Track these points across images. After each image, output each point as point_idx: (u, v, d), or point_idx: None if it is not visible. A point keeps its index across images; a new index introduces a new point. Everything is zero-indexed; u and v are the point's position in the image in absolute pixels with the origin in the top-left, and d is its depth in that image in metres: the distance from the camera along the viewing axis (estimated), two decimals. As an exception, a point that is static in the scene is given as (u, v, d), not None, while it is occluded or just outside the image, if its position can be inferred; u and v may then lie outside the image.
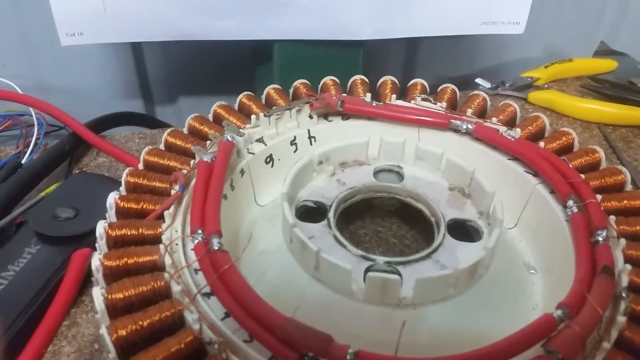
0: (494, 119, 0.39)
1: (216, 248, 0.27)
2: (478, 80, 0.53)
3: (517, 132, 0.37)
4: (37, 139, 0.44)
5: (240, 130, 0.37)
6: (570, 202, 0.31)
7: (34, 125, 0.45)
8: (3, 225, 0.33)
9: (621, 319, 0.25)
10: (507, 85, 0.53)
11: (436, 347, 0.23)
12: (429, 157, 0.37)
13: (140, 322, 0.25)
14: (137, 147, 0.46)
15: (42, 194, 0.36)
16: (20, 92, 0.46)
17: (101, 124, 0.46)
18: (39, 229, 0.32)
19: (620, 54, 0.57)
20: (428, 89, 0.43)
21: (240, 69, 0.56)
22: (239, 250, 0.33)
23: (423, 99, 0.41)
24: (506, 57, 0.62)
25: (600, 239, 0.29)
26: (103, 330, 0.25)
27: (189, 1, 0.42)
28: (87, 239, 0.32)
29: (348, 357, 0.22)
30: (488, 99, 0.42)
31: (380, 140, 0.37)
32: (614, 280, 0.27)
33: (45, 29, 0.45)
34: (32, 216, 0.34)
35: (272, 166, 0.38)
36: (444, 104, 0.40)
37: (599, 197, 0.32)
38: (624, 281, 0.27)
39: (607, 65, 0.56)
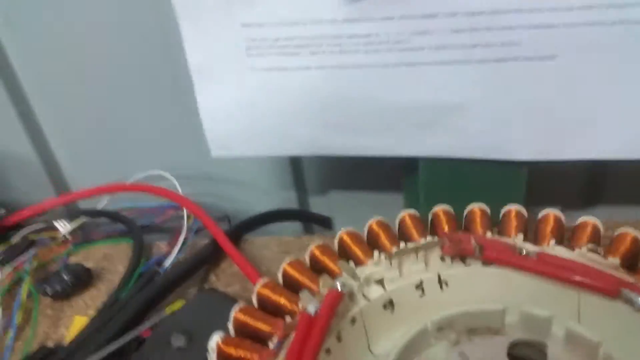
0: (686, 294, 0.29)
1: None
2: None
3: None
4: (185, 239, 0.46)
5: (356, 272, 0.34)
6: None
7: (183, 224, 0.47)
8: (125, 342, 0.35)
9: None
10: None
11: None
12: (582, 343, 0.29)
13: None
14: (272, 255, 0.46)
15: (168, 310, 0.38)
16: (179, 190, 0.50)
17: (243, 228, 0.47)
18: (149, 357, 0.34)
19: None
20: (602, 232, 0.35)
21: (392, 171, 0.54)
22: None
23: (589, 250, 0.33)
24: None
25: None
26: None
27: (329, 119, 0.41)
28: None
29: None
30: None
31: (519, 311, 0.31)
32: None
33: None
34: (148, 341, 0.35)
35: (392, 312, 0.34)
36: (617, 260, 0.32)
37: None
38: None
39: None
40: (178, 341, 0.34)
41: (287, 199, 0.60)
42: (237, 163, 0.57)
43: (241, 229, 0.48)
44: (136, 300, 0.39)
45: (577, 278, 0.31)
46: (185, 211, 0.48)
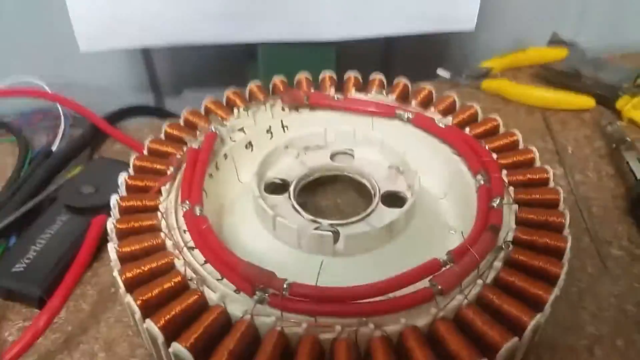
0: (433, 109, 0.47)
1: (198, 214, 0.37)
2: (439, 71, 0.61)
3: (449, 120, 0.45)
4: (64, 130, 0.53)
5: (224, 122, 0.46)
6: (479, 177, 0.39)
7: (61, 118, 0.54)
8: (40, 199, 0.43)
9: (497, 264, 0.34)
10: (464, 75, 0.60)
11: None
12: (373, 142, 0.45)
13: (142, 267, 0.35)
14: (146, 136, 0.55)
15: (69, 175, 0.46)
16: (48, 90, 0.55)
17: (116, 116, 0.56)
18: (67, 202, 0.42)
19: (570, 44, 0.64)
20: (385, 83, 0.51)
21: (235, 67, 0.65)
22: (222, 218, 0.42)
23: (377, 92, 0.49)
24: (475, 48, 0.70)
25: (495, 204, 0.37)
26: (115, 273, 0.34)
27: (183, 10, 0.51)
28: (104, 209, 0.41)
29: (284, 286, 0.31)
30: (433, 91, 0.50)
31: (335, 129, 0.46)
32: (497, 235, 0.35)
33: (67, 34, 0.54)
34: (62, 192, 0.43)
35: (251, 150, 0.46)
36: (394, 97, 0.48)
37: (504, 172, 0.40)
38: (510, 236, 0.36)
39: (558, 54, 0.63)
40: (88, 189, 0.43)
41: (144, 101, 0.68)
42: (95, 70, 0.63)
43: (112, 119, 0.56)
44: (37, 172, 0.46)
45: (369, 108, 0.46)
46: (60, 107, 0.54)
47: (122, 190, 0.41)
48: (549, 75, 0.60)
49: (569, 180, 0.48)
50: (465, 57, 0.70)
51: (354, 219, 0.38)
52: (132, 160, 0.43)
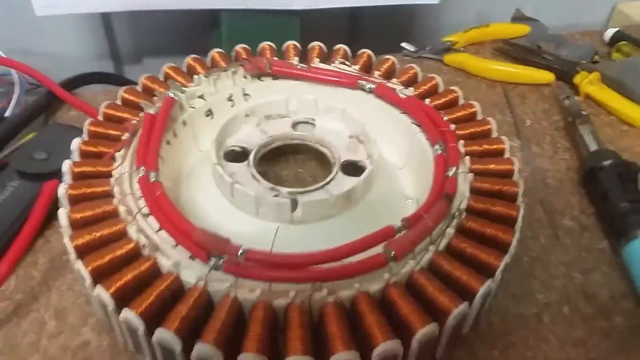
0: (395, 80, 0.47)
1: (153, 180, 0.36)
2: (403, 44, 0.60)
3: (410, 91, 0.45)
4: (18, 96, 0.51)
5: (183, 88, 0.45)
6: (437, 147, 0.40)
7: (15, 84, 0.52)
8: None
9: (450, 231, 0.34)
10: (428, 49, 0.60)
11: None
12: (335, 111, 0.45)
13: (94, 234, 0.34)
14: (102, 100, 0.53)
15: (22, 140, 0.45)
16: (3, 55, 0.53)
17: (73, 83, 0.54)
18: (18, 168, 0.41)
19: (533, 20, 0.65)
20: (350, 53, 0.51)
21: (197, 34, 0.64)
22: (179, 186, 0.42)
23: (341, 63, 0.49)
24: (439, 23, 0.70)
25: (450, 173, 0.37)
26: (66, 239, 0.34)
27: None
28: (57, 175, 0.40)
29: (239, 252, 0.31)
30: (397, 62, 0.50)
31: (298, 97, 0.45)
32: (450, 204, 0.35)
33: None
34: (14, 158, 0.42)
35: (212, 118, 0.46)
36: (357, 67, 0.48)
37: (461, 142, 0.40)
38: (463, 204, 0.36)
39: (520, 30, 0.63)
40: (40, 155, 0.42)
41: (104, 70, 0.66)
42: (53, 37, 0.61)
43: (68, 85, 0.54)
44: (-13, 137, 0.44)
45: (332, 77, 0.46)
46: (14, 73, 0.52)
47: (76, 156, 0.40)
48: (511, 51, 0.61)
49: (526, 152, 0.49)
50: (430, 32, 0.70)
51: (312, 187, 0.38)
52: (86, 125, 0.42)
